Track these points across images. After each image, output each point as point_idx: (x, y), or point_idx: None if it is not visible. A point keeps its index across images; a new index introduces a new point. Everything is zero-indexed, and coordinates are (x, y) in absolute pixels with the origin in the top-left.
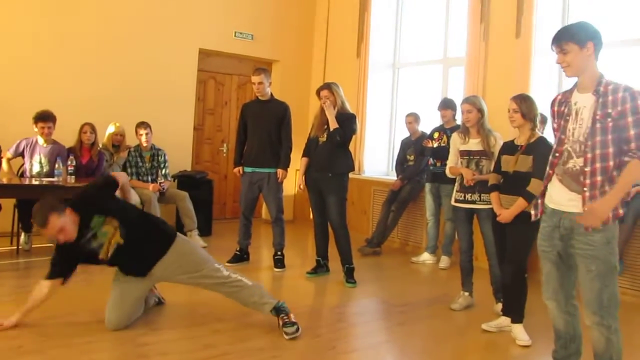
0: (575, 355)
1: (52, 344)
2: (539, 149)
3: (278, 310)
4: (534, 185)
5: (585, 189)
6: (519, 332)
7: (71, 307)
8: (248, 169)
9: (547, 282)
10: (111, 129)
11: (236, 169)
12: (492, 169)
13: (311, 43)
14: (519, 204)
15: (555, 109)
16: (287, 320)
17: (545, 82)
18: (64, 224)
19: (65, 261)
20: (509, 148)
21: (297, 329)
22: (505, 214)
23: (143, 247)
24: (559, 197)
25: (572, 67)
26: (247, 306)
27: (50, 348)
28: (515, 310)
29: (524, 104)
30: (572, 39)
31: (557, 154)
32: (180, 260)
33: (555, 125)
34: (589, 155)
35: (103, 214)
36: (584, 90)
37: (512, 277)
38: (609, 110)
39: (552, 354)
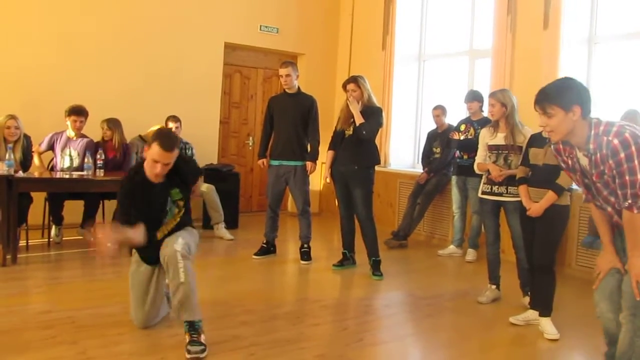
0: None
1: (84, 335)
2: None
3: (192, 326)
4: (563, 178)
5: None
6: (547, 325)
7: (102, 299)
8: (275, 162)
9: (607, 282)
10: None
11: (260, 161)
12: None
13: (336, 36)
14: (549, 197)
15: (565, 159)
16: (195, 339)
17: (574, 74)
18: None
19: (127, 212)
20: (538, 140)
21: (203, 350)
22: (535, 208)
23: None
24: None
25: (557, 133)
26: (173, 300)
27: (82, 339)
28: (543, 304)
29: None
30: (556, 102)
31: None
32: None
33: (577, 178)
34: (610, 200)
35: (182, 192)
36: (579, 149)
37: (541, 270)
38: (602, 168)
39: (607, 356)
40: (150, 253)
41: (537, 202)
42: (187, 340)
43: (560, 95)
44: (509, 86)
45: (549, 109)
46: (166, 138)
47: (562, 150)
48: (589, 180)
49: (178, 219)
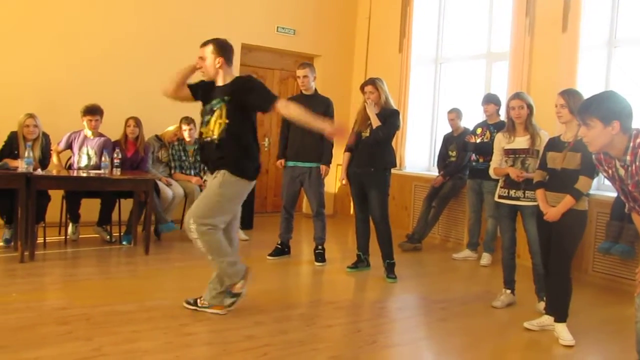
0: None
1: (99, 332)
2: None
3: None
4: (582, 183)
5: None
6: (563, 331)
7: (118, 296)
8: (290, 163)
9: None
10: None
11: (279, 162)
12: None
13: (353, 38)
14: (567, 201)
15: (605, 168)
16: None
17: (593, 78)
18: (206, 56)
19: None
20: (556, 145)
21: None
22: (552, 212)
23: (231, 151)
24: None
25: (594, 145)
26: (217, 268)
27: (97, 335)
28: (559, 309)
29: (572, 99)
30: (596, 115)
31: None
32: (227, 190)
33: (617, 187)
34: None
35: (227, 104)
36: (617, 160)
37: (557, 275)
38: (637, 179)
39: None
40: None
41: (554, 207)
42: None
43: (601, 108)
44: (526, 89)
45: (588, 120)
46: (222, 41)
47: (602, 160)
48: (626, 189)
49: (215, 132)
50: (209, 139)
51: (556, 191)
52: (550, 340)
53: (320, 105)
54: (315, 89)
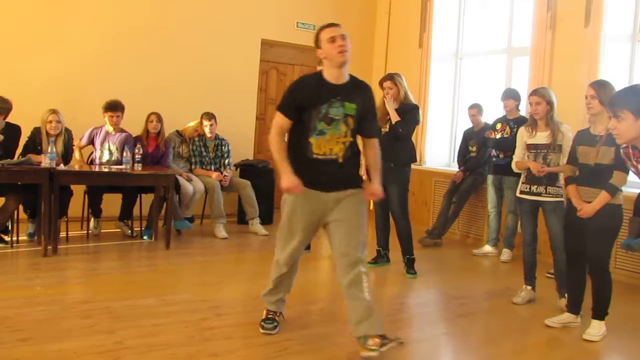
0: None
1: (121, 325)
2: None
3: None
4: (617, 178)
5: None
6: (597, 327)
7: (139, 290)
8: None
9: None
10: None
11: None
12: (565, 161)
13: (373, 33)
14: (603, 197)
15: (635, 163)
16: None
17: (616, 73)
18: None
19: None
20: (586, 138)
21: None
22: (588, 209)
23: (348, 165)
24: None
25: (624, 137)
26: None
27: (120, 329)
28: (600, 307)
29: (602, 90)
30: (629, 107)
31: None
32: (354, 208)
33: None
34: None
35: (359, 112)
36: None
37: (597, 273)
38: None
39: None
40: (303, 172)
41: (588, 202)
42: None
43: (634, 101)
44: (548, 84)
45: (619, 112)
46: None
47: (631, 155)
48: None
49: (342, 147)
50: (326, 156)
51: (589, 186)
52: (572, 337)
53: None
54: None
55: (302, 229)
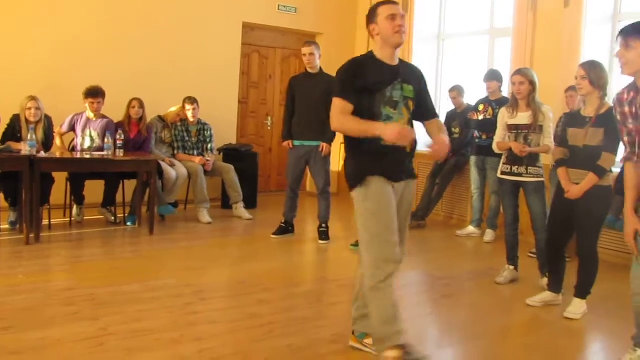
0: None
1: (105, 312)
2: (610, 121)
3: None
4: (606, 159)
5: None
6: (578, 306)
7: (123, 277)
8: (296, 142)
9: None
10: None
11: (286, 142)
12: (545, 141)
13: (355, 14)
14: (590, 179)
15: (626, 109)
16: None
17: (597, 54)
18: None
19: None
20: (576, 120)
21: None
22: (575, 190)
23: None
24: None
25: (630, 66)
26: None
27: (103, 315)
28: (584, 286)
29: (592, 71)
30: None
31: None
32: (409, 203)
33: (631, 127)
34: None
35: (417, 94)
36: None
37: (584, 254)
38: None
39: (636, 339)
40: (373, 163)
41: (576, 184)
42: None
43: None
44: (530, 65)
45: (631, 41)
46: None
47: (624, 99)
48: None
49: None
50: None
51: (578, 168)
52: (553, 316)
53: (326, 83)
54: (321, 68)
55: (395, 220)
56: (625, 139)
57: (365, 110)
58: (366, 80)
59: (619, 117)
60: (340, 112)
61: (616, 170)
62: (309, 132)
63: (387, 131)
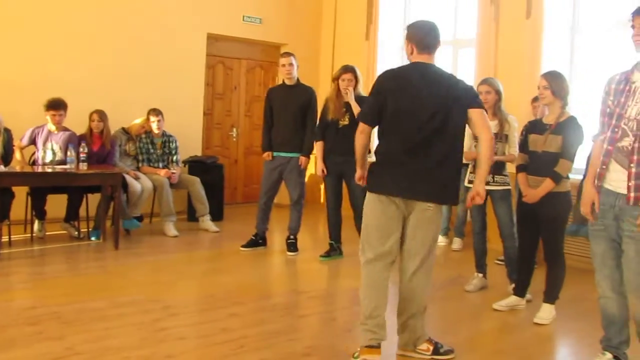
0: (628, 343)
1: (71, 330)
2: (568, 129)
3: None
4: (562, 166)
5: (632, 165)
6: (547, 311)
7: (88, 293)
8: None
9: (603, 263)
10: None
11: (266, 154)
12: (511, 150)
13: (319, 26)
14: (547, 185)
15: (613, 86)
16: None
17: (557, 64)
18: None
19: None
20: (537, 127)
21: None
22: (532, 194)
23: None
24: (617, 177)
25: None
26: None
27: (69, 334)
28: (553, 291)
29: (554, 82)
30: None
31: (616, 130)
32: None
33: (610, 103)
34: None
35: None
36: None
37: (551, 260)
38: None
39: (604, 342)
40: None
41: (534, 189)
42: None
43: None
44: (494, 75)
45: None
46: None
47: (614, 79)
48: (631, 103)
49: None
50: None
51: (537, 174)
52: (523, 321)
53: (303, 95)
54: (298, 79)
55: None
56: (600, 119)
57: None
58: None
59: (603, 95)
60: None
61: (578, 177)
62: (286, 144)
63: None
